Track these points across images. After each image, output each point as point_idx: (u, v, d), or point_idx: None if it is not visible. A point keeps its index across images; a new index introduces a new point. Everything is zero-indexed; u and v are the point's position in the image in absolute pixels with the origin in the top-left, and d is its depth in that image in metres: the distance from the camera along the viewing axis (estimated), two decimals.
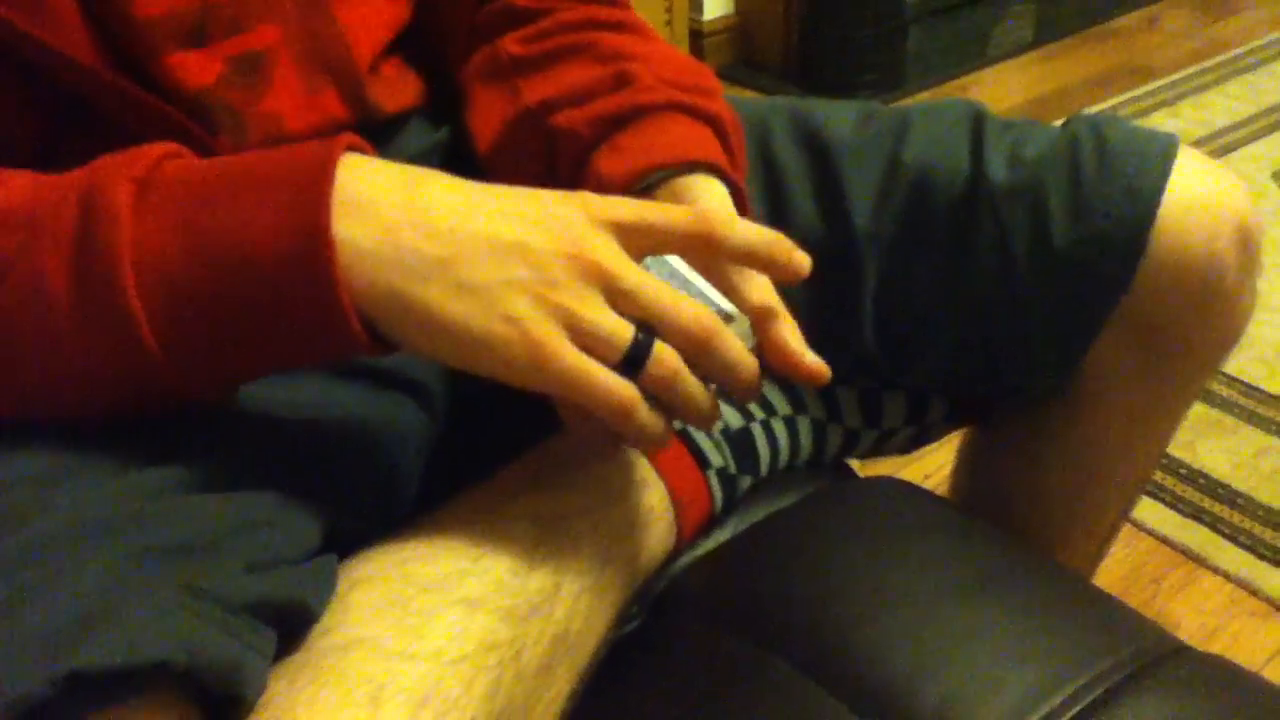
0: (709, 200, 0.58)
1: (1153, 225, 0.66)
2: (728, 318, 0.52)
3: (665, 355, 0.47)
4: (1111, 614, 0.56)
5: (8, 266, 0.41)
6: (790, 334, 0.53)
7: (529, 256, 0.44)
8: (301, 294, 0.42)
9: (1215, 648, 1.20)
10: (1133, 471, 0.82)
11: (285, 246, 0.42)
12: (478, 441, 0.71)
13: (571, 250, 0.45)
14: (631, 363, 0.46)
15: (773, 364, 0.53)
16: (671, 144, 0.60)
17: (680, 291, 0.49)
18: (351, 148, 0.46)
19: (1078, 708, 0.49)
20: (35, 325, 0.41)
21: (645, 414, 0.47)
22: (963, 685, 0.50)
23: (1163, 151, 0.68)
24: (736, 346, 0.49)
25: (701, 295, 0.52)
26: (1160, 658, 0.52)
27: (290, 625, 0.42)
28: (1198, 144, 2.18)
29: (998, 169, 0.69)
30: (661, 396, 0.48)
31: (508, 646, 0.46)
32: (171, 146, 0.46)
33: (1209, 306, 0.69)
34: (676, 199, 0.58)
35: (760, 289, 0.54)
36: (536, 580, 0.50)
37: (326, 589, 0.44)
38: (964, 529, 0.61)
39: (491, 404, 0.73)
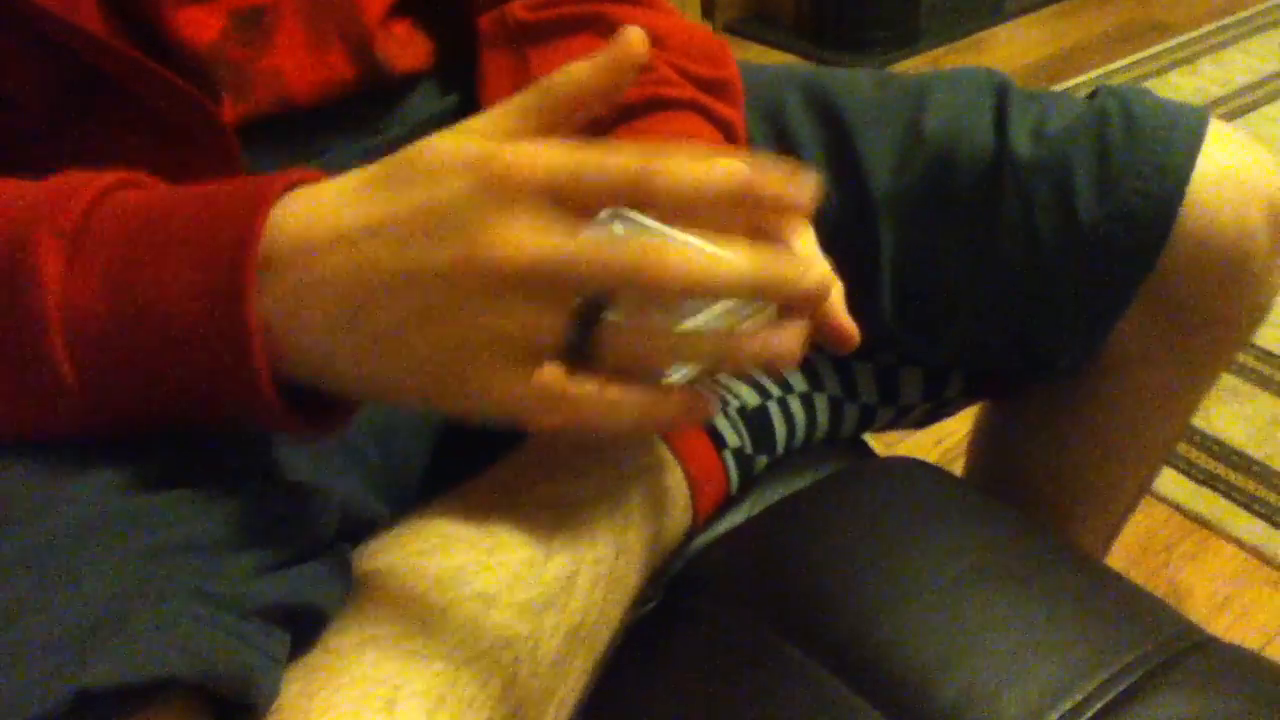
0: None
1: (1182, 202, 0.64)
2: None
3: (609, 332, 0.38)
4: (1136, 604, 0.55)
5: None
6: (833, 294, 0.49)
7: (420, 284, 0.37)
8: (223, 368, 0.38)
9: (1227, 617, 1.20)
10: (1154, 448, 0.81)
11: (204, 315, 0.37)
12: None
13: (465, 254, 0.36)
14: (574, 351, 0.38)
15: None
16: (690, 134, 0.60)
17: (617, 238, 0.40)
18: (297, 183, 0.40)
19: (1101, 703, 0.48)
20: None
21: (619, 411, 0.39)
22: (982, 679, 0.49)
23: (1193, 126, 0.66)
24: (710, 272, 0.38)
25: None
26: (1186, 650, 0.51)
27: (304, 626, 0.41)
28: (1217, 103, 2.14)
29: (1022, 143, 0.67)
30: (638, 371, 0.40)
31: (524, 642, 0.45)
32: (111, 180, 0.41)
33: (1237, 282, 0.68)
34: None
35: (799, 244, 0.50)
36: (552, 571, 0.49)
37: (341, 587, 0.43)
38: (984, 512, 0.60)
39: None
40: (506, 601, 0.46)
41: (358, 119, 0.65)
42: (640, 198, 0.39)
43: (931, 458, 1.38)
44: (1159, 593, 1.22)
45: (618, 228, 0.46)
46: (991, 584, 0.54)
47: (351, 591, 0.44)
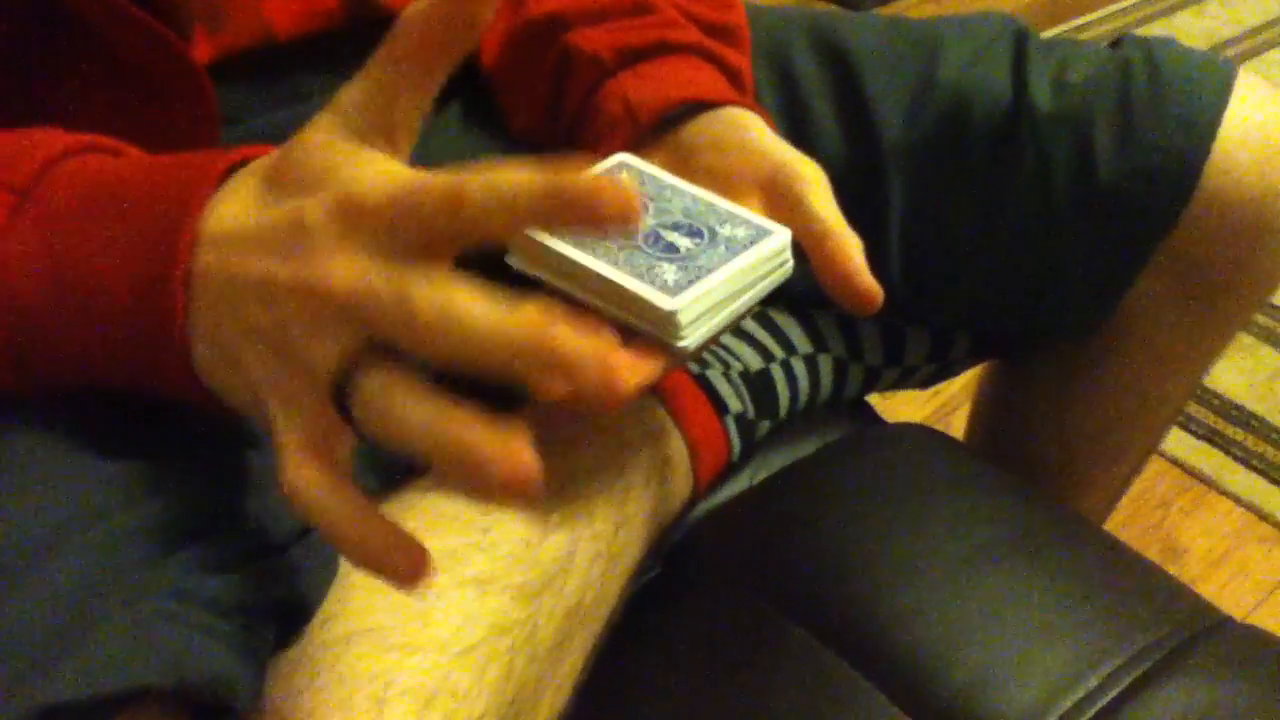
0: (759, 133, 0.54)
1: (1206, 159, 0.62)
2: (761, 233, 0.48)
3: (365, 391, 0.32)
4: (1149, 582, 0.53)
5: None
6: (852, 251, 0.48)
7: (261, 299, 0.34)
8: (145, 350, 0.37)
9: (1223, 574, 1.19)
10: (1164, 410, 0.79)
11: (131, 293, 0.36)
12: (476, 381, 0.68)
13: (300, 276, 0.34)
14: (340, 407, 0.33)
15: (825, 284, 0.50)
16: (699, 81, 0.57)
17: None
18: (240, 162, 0.38)
19: (1115, 690, 0.46)
20: None
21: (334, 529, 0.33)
22: (991, 664, 0.48)
23: (1220, 79, 0.63)
24: (471, 346, 0.32)
25: (711, 209, 0.48)
26: (1201, 633, 0.50)
27: (288, 617, 0.39)
28: (1227, 44, 2.09)
29: (1041, 94, 0.64)
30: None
31: (520, 628, 0.43)
32: (76, 142, 0.39)
33: (1258, 244, 0.65)
34: (717, 133, 0.54)
35: (817, 201, 0.49)
36: (549, 550, 0.47)
37: (327, 573, 0.41)
38: (993, 484, 0.58)
39: None
40: (502, 585, 0.44)
41: (345, 59, 0.61)
42: (456, 228, 0.34)
43: (928, 409, 1.37)
44: (1156, 548, 1.22)
45: (624, 176, 0.47)
46: (1001, 561, 0.52)
47: (339, 574, 0.42)
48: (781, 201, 0.51)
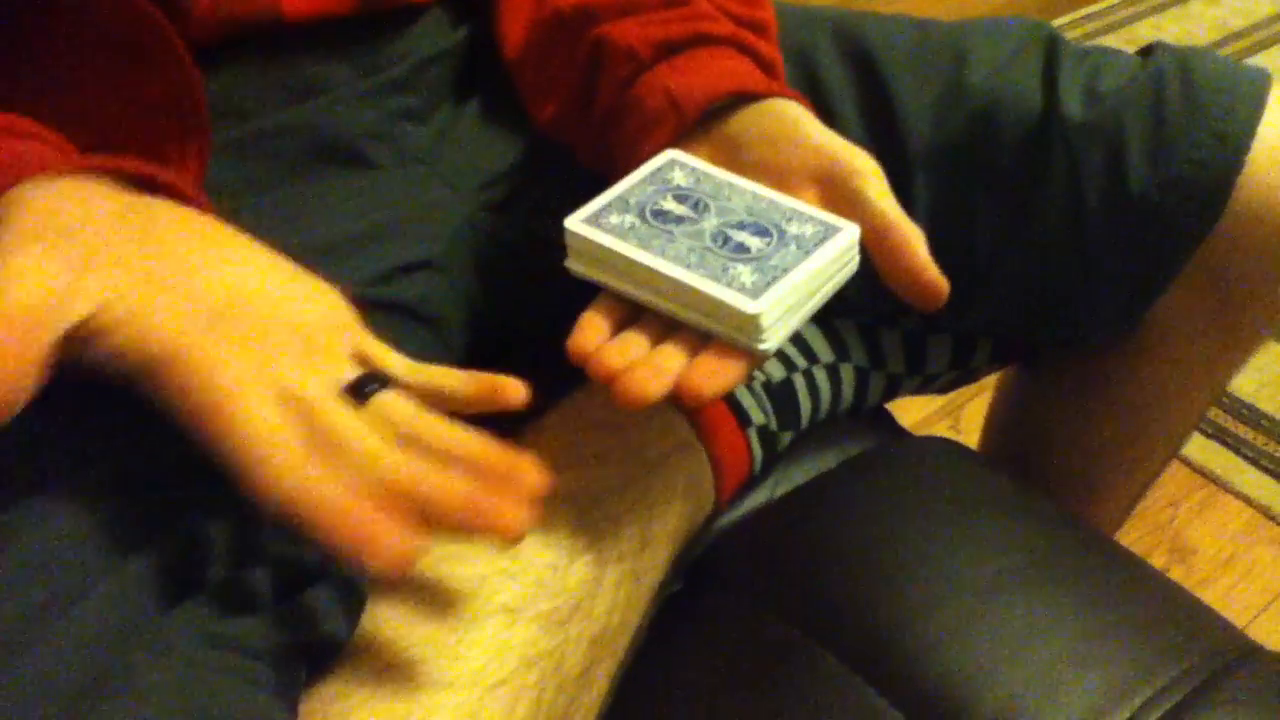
0: (810, 125, 0.53)
1: (1239, 173, 0.61)
2: (830, 229, 0.47)
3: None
4: (1179, 608, 0.53)
5: None
6: (916, 243, 0.48)
7: None
8: None
9: (1232, 575, 1.19)
10: (1185, 420, 0.78)
11: None
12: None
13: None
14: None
15: (889, 278, 0.49)
16: (740, 73, 0.55)
17: None
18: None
19: None
20: None
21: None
22: (1021, 693, 0.47)
23: (1254, 91, 0.62)
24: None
25: (774, 206, 0.48)
26: (1232, 663, 0.49)
27: (318, 654, 0.38)
28: (1239, 36, 2.08)
29: (1073, 103, 0.63)
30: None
31: (549, 658, 0.43)
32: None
33: None
34: (767, 126, 0.54)
35: (876, 195, 0.49)
36: (577, 574, 0.46)
37: (354, 606, 0.40)
38: (1021, 504, 0.57)
39: (512, 339, 0.68)
40: (532, 614, 0.43)
41: (355, 49, 0.60)
42: None
43: (939, 401, 1.36)
44: (1164, 548, 1.22)
45: (677, 173, 0.48)
46: (1029, 586, 0.52)
47: (365, 609, 0.41)
48: (838, 195, 0.50)
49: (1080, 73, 0.64)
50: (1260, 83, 0.63)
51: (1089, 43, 0.69)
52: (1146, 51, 0.66)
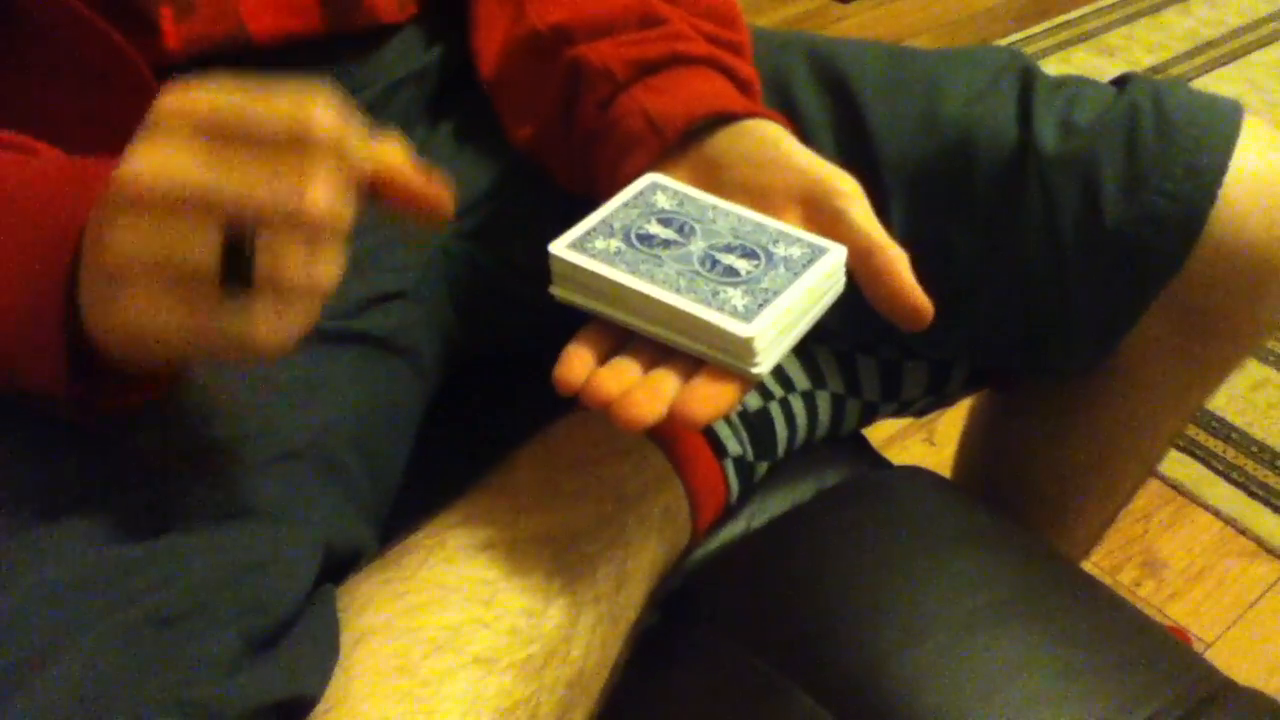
0: (791, 146, 0.53)
1: (1212, 206, 0.61)
2: (817, 250, 0.47)
3: (263, 255, 0.37)
4: (1152, 644, 0.53)
5: None
6: (901, 265, 0.49)
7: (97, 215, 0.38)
8: (26, 352, 0.39)
9: (1203, 588, 1.20)
10: (1157, 444, 0.79)
11: (16, 303, 0.38)
12: (472, 407, 0.67)
13: (114, 174, 0.38)
14: (232, 277, 0.37)
15: (874, 300, 0.50)
16: (717, 93, 0.55)
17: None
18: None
19: None
20: None
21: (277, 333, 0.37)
22: None
23: (1227, 124, 0.63)
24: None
25: (760, 228, 0.48)
26: (1205, 700, 0.49)
27: (290, 714, 0.37)
28: (1211, 45, 2.09)
29: (1048, 135, 0.63)
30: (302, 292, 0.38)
31: (524, 707, 0.43)
32: None
33: (1262, 290, 0.65)
34: (748, 147, 0.54)
35: (859, 216, 0.50)
36: (552, 619, 0.46)
37: (329, 660, 0.40)
38: (998, 538, 0.57)
39: (488, 370, 0.68)
40: (506, 663, 0.43)
41: (326, 69, 0.60)
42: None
43: (910, 420, 1.36)
44: (1136, 562, 1.23)
45: (660, 197, 0.48)
46: (1008, 623, 0.52)
47: (336, 664, 0.40)
48: (821, 216, 0.50)
49: (1055, 105, 0.64)
50: (1233, 116, 0.63)
51: (1060, 52, 0.69)
52: (1121, 82, 0.66)
